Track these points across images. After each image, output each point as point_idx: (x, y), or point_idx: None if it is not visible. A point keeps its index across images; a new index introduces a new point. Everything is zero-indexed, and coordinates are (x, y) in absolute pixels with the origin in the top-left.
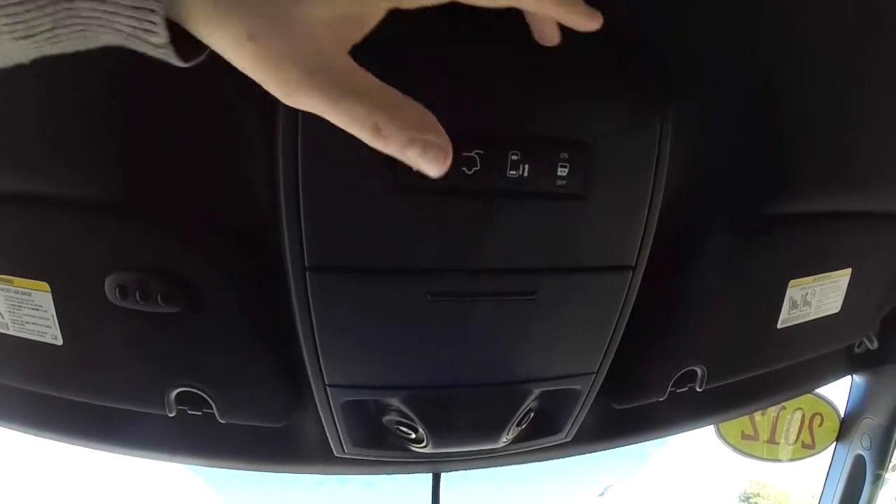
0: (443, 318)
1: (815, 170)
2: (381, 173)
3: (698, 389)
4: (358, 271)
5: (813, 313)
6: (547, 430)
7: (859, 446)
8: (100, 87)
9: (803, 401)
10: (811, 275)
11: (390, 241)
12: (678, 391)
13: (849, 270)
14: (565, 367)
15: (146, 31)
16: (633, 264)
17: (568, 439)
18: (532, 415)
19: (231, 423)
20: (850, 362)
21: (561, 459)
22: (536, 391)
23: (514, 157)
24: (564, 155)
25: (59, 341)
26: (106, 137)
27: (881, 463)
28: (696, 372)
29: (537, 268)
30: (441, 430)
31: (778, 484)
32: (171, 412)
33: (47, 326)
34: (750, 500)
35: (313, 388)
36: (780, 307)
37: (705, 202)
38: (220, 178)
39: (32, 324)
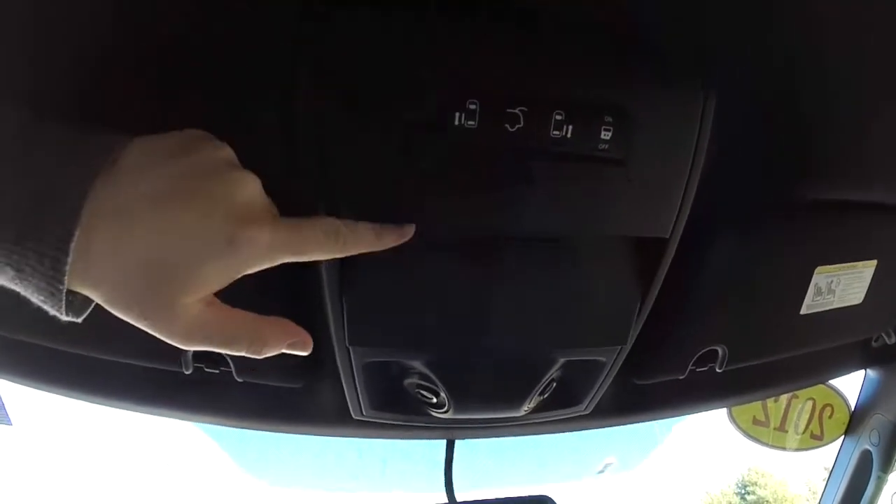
0: (473, 280)
1: (848, 157)
2: (415, 123)
3: (718, 370)
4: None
5: (836, 302)
6: (567, 402)
7: (867, 441)
8: None
9: (815, 391)
10: (838, 263)
11: (424, 195)
12: (698, 370)
13: (874, 262)
14: (593, 337)
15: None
16: (668, 236)
17: (587, 412)
18: (554, 385)
19: (248, 381)
20: (866, 356)
21: (563, 435)
22: (561, 360)
23: (559, 118)
24: (609, 119)
25: None
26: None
27: (888, 460)
28: (717, 352)
29: (572, 233)
30: (463, 395)
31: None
32: (187, 369)
33: None
34: (748, 489)
35: (335, 347)
36: (805, 293)
37: (739, 183)
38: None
39: None
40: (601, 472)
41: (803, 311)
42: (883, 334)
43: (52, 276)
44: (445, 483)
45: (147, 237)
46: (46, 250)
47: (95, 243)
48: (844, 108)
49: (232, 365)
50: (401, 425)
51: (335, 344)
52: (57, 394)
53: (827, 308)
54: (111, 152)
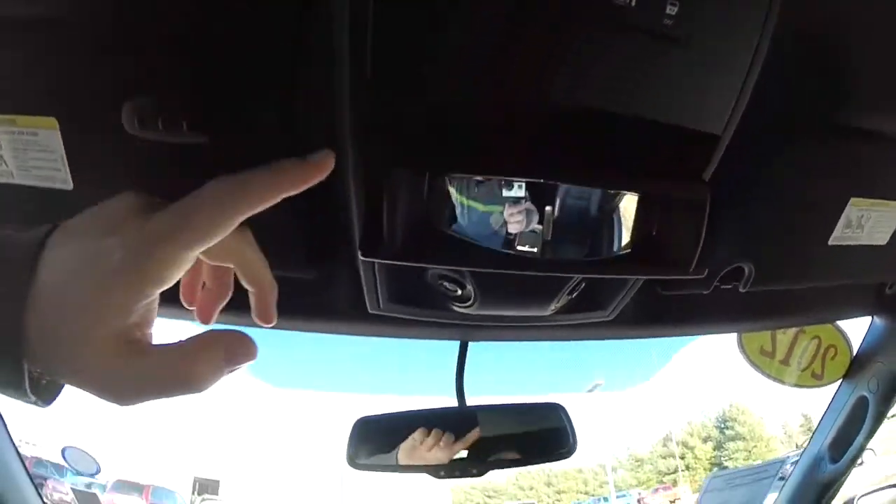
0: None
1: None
2: None
3: (741, 290)
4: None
5: (863, 238)
6: (591, 306)
7: (865, 388)
8: None
9: (823, 330)
10: (873, 198)
11: (473, 54)
12: (722, 287)
13: None
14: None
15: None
16: (720, 134)
17: (610, 318)
18: (583, 285)
19: None
20: (879, 301)
21: (556, 354)
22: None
23: None
24: None
25: (69, 185)
26: None
27: (884, 409)
28: (743, 270)
29: (624, 112)
30: (491, 288)
31: (755, 413)
32: None
33: (56, 170)
34: (727, 423)
35: (355, 235)
36: (836, 223)
37: (787, 97)
38: None
39: (39, 168)
40: (590, 390)
41: (831, 241)
42: None
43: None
44: (457, 387)
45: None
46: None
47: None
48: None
49: None
50: (417, 321)
51: (357, 238)
52: None
53: (853, 243)
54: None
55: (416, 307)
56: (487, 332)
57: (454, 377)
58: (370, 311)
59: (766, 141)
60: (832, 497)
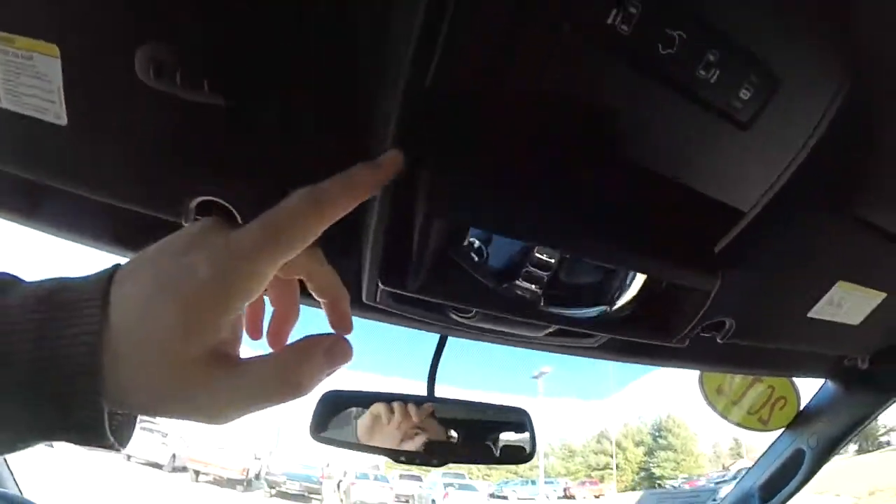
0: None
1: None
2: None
3: (719, 341)
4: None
5: (839, 317)
6: (581, 335)
7: (805, 442)
8: None
9: (778, 381)
10: (857, 284)
11: (542, 93)
12: (701, 335)
13: (884, 295)
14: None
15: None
16: (746, 211)
17: (594, 346)
18: None
19: None
20: (834, 368)
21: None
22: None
23: (712, 58)
24: (755, 79)
25: (63, 121)
26: None
27: (818, 466)
28: (724, 324)
29: (664, 172)
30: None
31: (690, 427)
32: (186, 221)
33: (50, 101)
34: (661, 433)
35: (371, 229)
36: (820, 299)
37: (809, 182)
38: None
39: (31, 96)
40: (535, 377)
41: (811, 313)
42: (858, 358)
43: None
44: (429, 376)
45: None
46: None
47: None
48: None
49: (240, 221)
50: (408, 317)
51: (372, 225)
52: (29, 227)
53: (828, 318)
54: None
55: (414, 307)
56: (475, 334)
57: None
58: (365, 300)
59: (774, 215)
60: None
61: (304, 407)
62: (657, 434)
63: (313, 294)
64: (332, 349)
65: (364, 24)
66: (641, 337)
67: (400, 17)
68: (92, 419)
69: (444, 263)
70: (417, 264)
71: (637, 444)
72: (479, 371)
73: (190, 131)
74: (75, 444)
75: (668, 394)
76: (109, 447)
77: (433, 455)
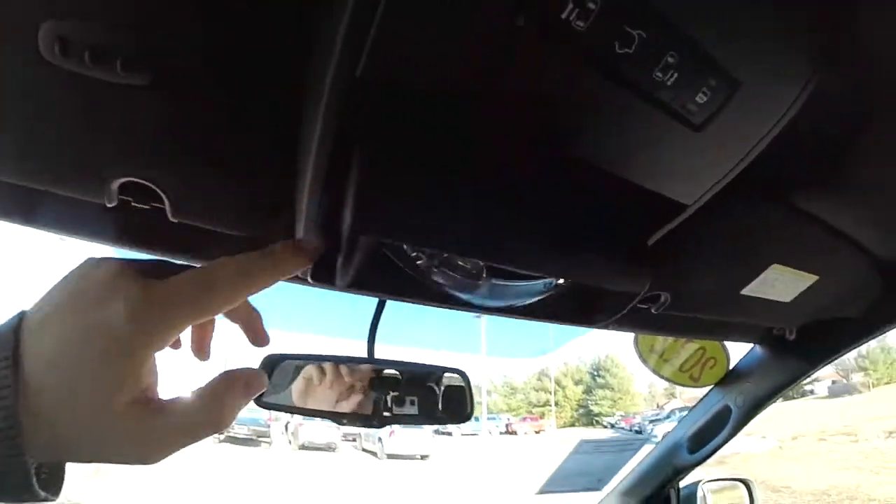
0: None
1: (837, 187)
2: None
3: (654, 312)
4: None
5: (770, 294)
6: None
7: (732, 400)
8: None
9: (710, 343)
10: (791, 267)
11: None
12: (638, 306)
13: (816, 278)
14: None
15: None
16: (689, 204)
17: (523, 314)
18: None
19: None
20: (764, 336)
21: None
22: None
23: (671, 59)
24: (713, 83)
25: None
26: None
27: (743, 423)
28: (660, 297)
29: (610, 167)
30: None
31: (627, 367)
32: (110, 202)
33: None
34: (599, 372)
35: (303, 215)
36: (755, 279)
37: (755, 177)
38: None
39: None
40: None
41: (744, 291)
42: (786, 329)
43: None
44: (369, 338)
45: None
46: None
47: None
48: (853, 143)
49: (166, 202)
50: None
51: (304, 210)
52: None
53: (760, 296)
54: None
55: (367, 290)
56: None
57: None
58: (310, 279)
59: (716, 204)
60: (681, 479)
61: (252, 351)
62: (595, 373)
63: (227, 318)
64: (250, 382)
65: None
66: (568, 321)
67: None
68: (19, 480)
69: (374, 259)
70: (346, 262)
71: (576, 383)
72: (423, 323)
73: (108, 110)
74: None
75: (607, 341)
76: (42, 500)
77: (373, 416)
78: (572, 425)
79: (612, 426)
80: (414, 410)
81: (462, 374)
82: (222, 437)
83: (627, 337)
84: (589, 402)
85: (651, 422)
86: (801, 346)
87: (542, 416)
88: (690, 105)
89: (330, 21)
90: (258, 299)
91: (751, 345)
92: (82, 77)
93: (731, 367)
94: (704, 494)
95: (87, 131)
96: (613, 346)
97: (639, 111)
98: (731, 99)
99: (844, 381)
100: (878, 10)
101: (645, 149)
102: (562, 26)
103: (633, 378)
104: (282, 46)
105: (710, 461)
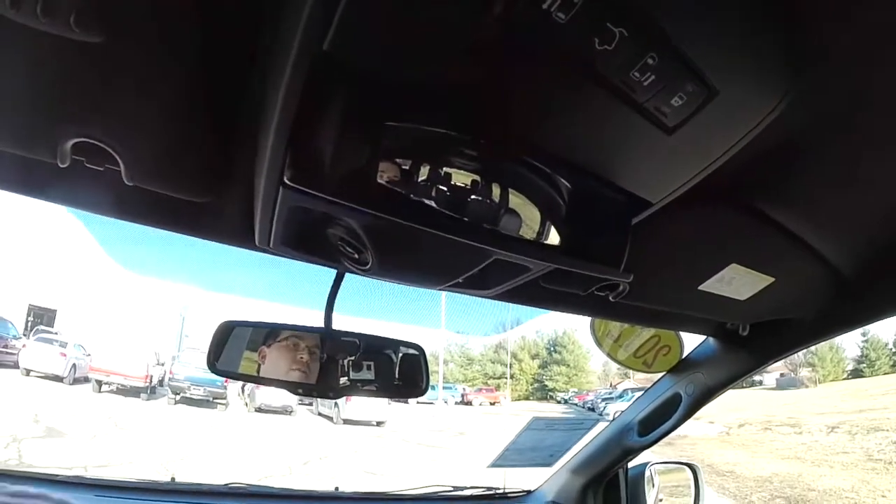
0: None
1: (798, 199)
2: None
3: (611, 299)
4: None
5: (728, 292)
6: (477, 285)
7: (682, 388)
8: None
9: (665, 331)
10: (749, 268)
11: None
12: (596, 293)
13: (772, 279)
14: (535, 250)
15: None
16: (655, 202)
17: (489, 295)
18: (476, 272)
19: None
20: (717, 329)
21: None
22: (494, 257)
23: (650, 61)
24: (690, 89)
25: None
26: None
27: (692, 411)
28: (618, 286)
29: (584, 165)
30: (391, 264)
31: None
32: (63, 163)
33: None
34: (556, 348)
35: (262, 178)
36: (712, 277)
37: (719, 180)
38: None
39: None
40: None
41: (701, 287)
42: (740, 325)
43: None
44: (326, 308)
45: None
46: None
47: None
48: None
49: (121, 165)
50: (304, 259)
51: (265, 177)
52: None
53: (716, 292)
54: None
55: (307, 253)
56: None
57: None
58: (258, 244)
59: (679, 202)
60: (630, 461)
61: (206, 312)
62: (552, 349)
63: None
64: None
65: None
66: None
67: None
68: None
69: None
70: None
71: (533, 357)
72: (384, 297)
73: (61, 67)
74: None
75: (565, 318)
76: None
77: (328, 388)
78: (527, 398)
79: (566, 402)
80: (370, 375)
81: (418, 347)
82: (178, 398)
83: (585, 321)
84: (544, 376)
85: (604, 400)
86: (753, 343)
87: (497, 388)
88: (665, 108)
89: None
90: (223, 269)
91: (704, 336)
92: (34, 32)
93: (684, 355)
94: (652, 475)
95: (40, 89)
96: (571, 323)
97: (612, 110)
98: (706, 105)
99: (792, 374)
100: (848, 27)
101: (616, 147)
102: (541, 17)
103: (588, 356)
104: (242, 13)
105: (658, 443)
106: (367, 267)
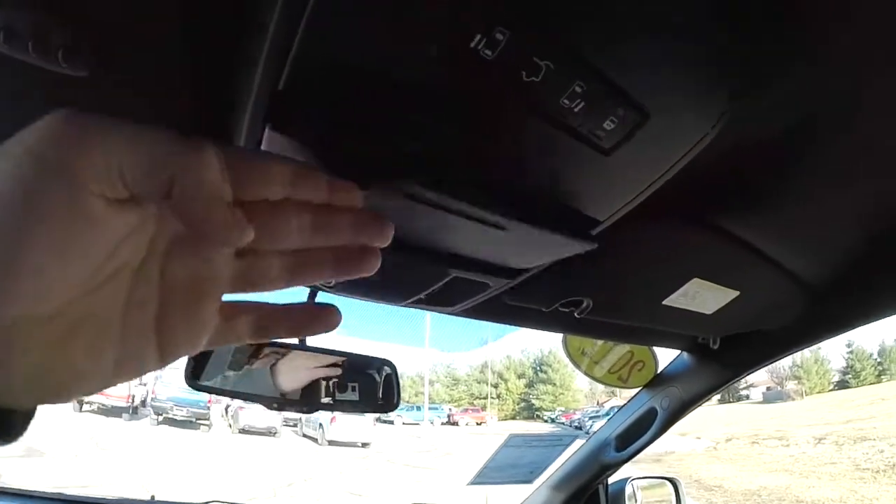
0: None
1: (761, 214)
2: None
3: (576, 316)
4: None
5: (692, 306)
6: (440, 302)
7: (658, 402)
8: None
9: (638, 347)
10: (712, 282)
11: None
12: (561, 309)
13: (737, 293)
14: (492, 268)
15: None
16: (602, 220)
17: (455, 311)
18: (440, 286)
19: None
20: (690, 344)
21: None
22: (454, 275)
23: (578, 90)
24: (621, 112)
25: None
26: None
27: (668, 424)
28: (582, 302)
29: (524, 190)
30: (352, 282)
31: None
32: None
33: None
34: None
35: None
36: (675, 292)
37: (670, 196)
38: None
39: None
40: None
41: (665, 302)
42: (710, 338)
43: None
44: None
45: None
46: None
47: None
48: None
49: None
50: None
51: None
52: None
53: (681, 307)
54: None
55: None
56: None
57: None
58: None
59: (630, 216)
60: (608, 476)
61: None
62: (538, 368)
63: None
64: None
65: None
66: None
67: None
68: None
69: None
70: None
71: (519, 377)
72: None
73: (49, 100)
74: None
75: (550, 337)
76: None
77: (303, 402)
78: (513, 418)
79: (553, 421)
80: (341, 398)
81: (389, 364)
82: (160, 418)
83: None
84: (531, 396)
85: (591, 418)
86: (725, 356)
87: (483, 408)
88: (598, 131)
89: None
90: None
91: (678, 351)
92: (25, 65)
93: (659, 370)
94: (634, 491)
95: (25, 120)
96: (557, 342)
97: (546, 135)
98: (640, 127)
99: (779, 388)
100: (792, 41)
101: (556, 169)
102: (471, 54)
103: (574, 375)
104: (220, 45)
105: (646, 459)
106: (332, 285)
